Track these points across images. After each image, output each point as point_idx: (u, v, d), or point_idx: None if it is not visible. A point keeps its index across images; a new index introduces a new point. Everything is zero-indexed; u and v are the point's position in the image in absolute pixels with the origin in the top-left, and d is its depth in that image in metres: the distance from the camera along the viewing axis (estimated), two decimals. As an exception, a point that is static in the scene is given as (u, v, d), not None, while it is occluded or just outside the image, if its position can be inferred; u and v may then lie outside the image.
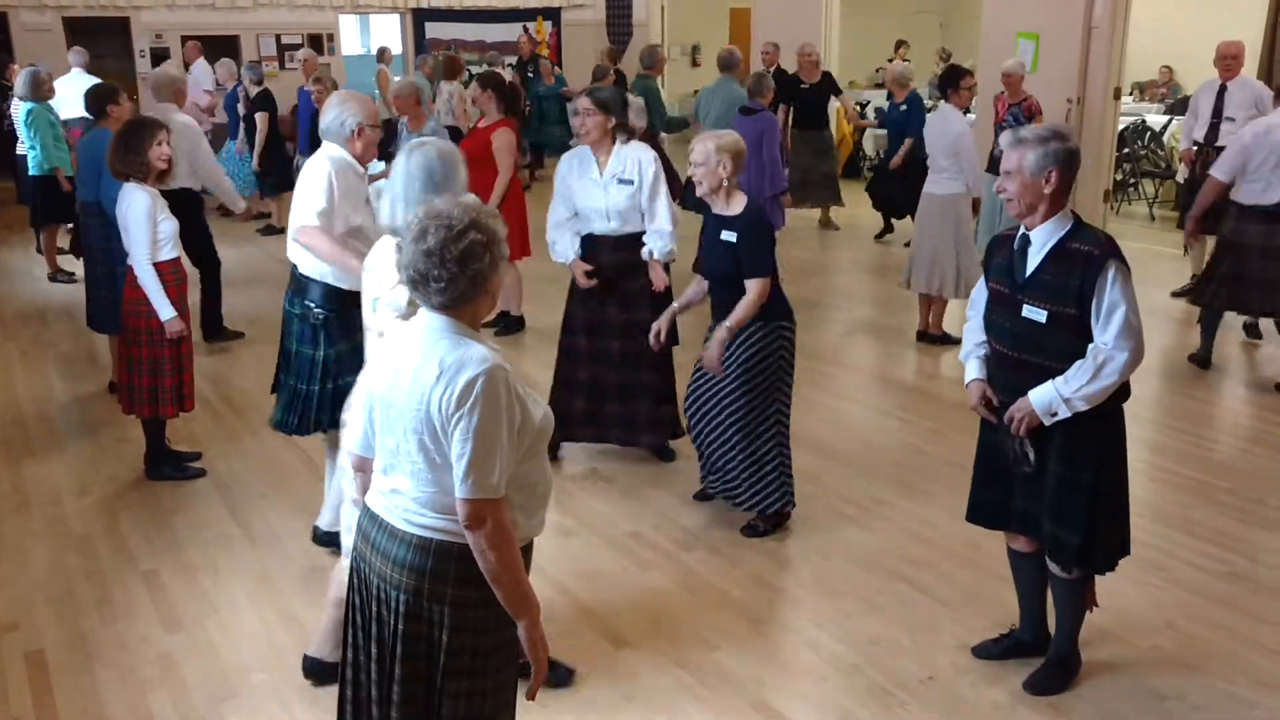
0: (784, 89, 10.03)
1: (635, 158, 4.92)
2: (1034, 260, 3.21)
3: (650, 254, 4.97)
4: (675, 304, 4.69)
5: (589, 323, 5.15)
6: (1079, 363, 3.11)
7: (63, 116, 10.19)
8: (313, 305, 4.16)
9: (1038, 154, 3.16)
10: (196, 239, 6.75)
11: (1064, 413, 3.14)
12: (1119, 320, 3.07)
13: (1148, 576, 4.19)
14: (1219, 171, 6.27)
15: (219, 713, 3.45)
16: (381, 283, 3.23)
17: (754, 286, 4.28)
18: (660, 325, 4.61)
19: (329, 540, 4.27)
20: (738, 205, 4.35)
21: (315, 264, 4.12)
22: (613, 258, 5.02)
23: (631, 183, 4.91)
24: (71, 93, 10.32)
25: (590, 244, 5.06)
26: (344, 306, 4.10)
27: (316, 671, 3.57)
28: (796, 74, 10.38)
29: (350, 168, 4.10)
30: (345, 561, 3.36)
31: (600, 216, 4.97)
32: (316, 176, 4.04)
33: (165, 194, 4.96)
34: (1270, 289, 6.21)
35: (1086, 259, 3.10)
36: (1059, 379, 3.14)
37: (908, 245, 9.54)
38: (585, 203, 4.99)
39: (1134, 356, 3.09)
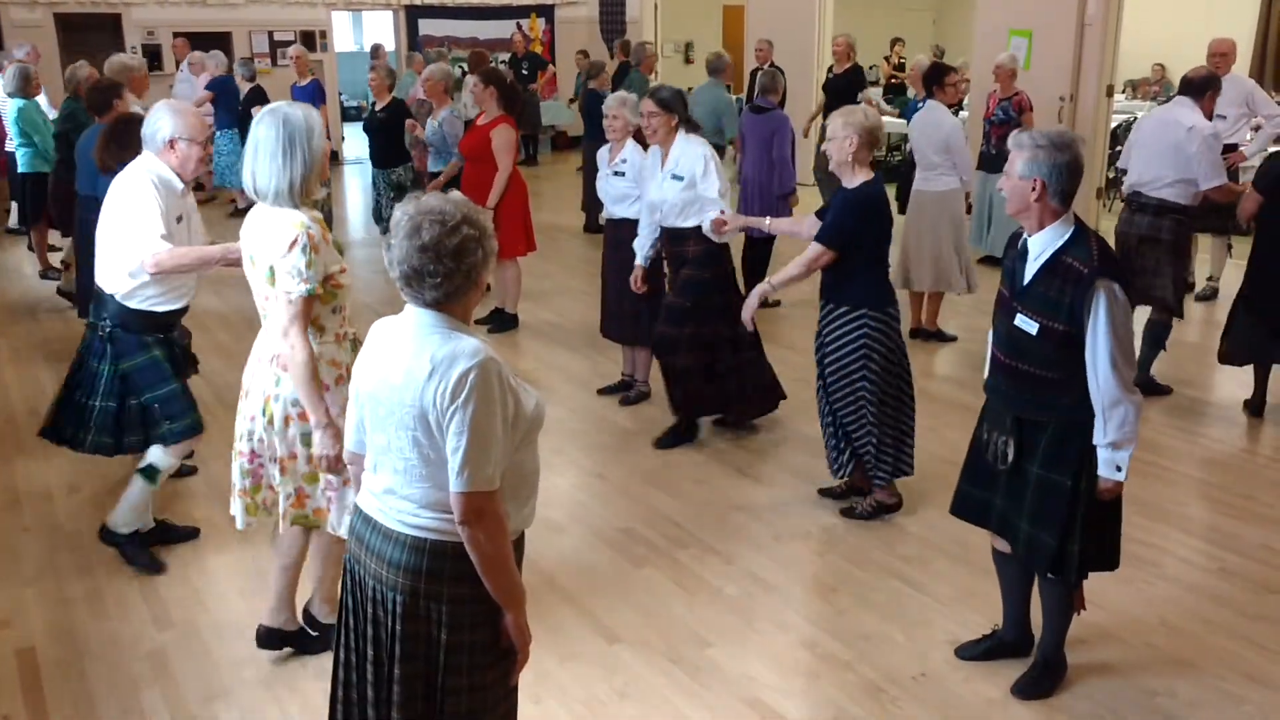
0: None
1: (687, 153, 5.20)
2: (1030, 270, 3.18)
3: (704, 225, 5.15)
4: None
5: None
6: (1099, 415, 3.09)
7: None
8: (106, 318, 4.08)
9: (1024, 159, 3.12)
10: None
11: (1125, 462, 3.13)
12: (1105, 362, 3.04)
13: (1140, 573, 4.20)
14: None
15: (211, 710, 3.44)
16: (270, 250, 3.19)
17: (811, 250, 4.41)
18: (750, 305, 4.65)
19: (112, 540, 4.29)
20: (856, 180, 4.35)
21: (112, 280, 4.03)
22: (670, 249, 5.40)
23: (682, 179, 5.16)
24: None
25: (662, 235, 5.44)
26: (137, 325, 4.05)
27: (272, 642, 3.66)
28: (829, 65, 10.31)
29: (168, 182, 3.94)
30: (286, 525, 3.44)
31: (659, 210, 5.31)
32: (142, 195, 3.87)
33: None
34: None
35: (1077, 276, 3.06)
36: (1097, 439, 3.12)
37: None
38: (652, 196, 5.35)
39: (1132, 396, 3.09)
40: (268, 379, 3.30)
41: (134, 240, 3.90)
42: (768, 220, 5.32)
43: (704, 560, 4.37)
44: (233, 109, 11.15)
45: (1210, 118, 5.96)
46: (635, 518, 4.72)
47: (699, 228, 5.13)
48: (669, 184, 5.20)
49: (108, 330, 4.08)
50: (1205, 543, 4.49)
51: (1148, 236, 5.98)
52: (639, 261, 5.60)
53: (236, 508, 3.49)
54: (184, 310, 4.18)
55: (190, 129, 3.94)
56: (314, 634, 3.69)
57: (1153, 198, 5.95)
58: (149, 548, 4.33)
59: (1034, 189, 3.10)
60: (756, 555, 4.42)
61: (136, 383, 4.10)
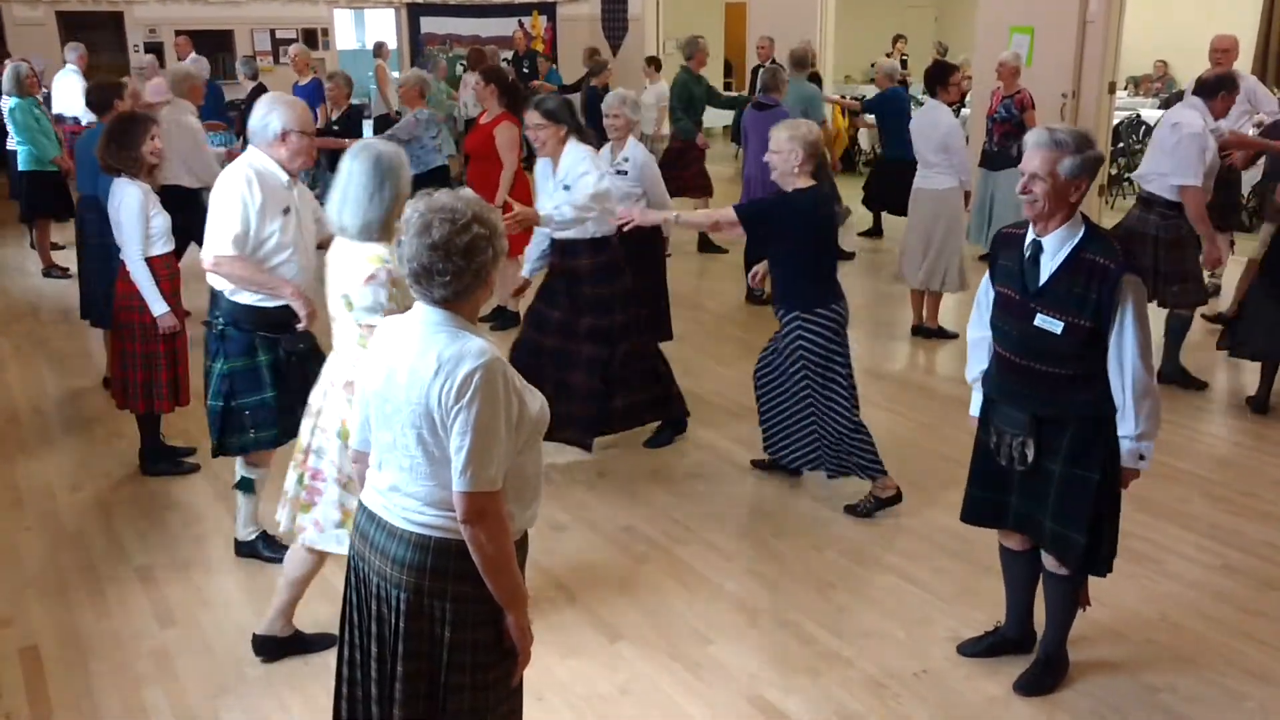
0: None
1: (571, 163, 4.96)
2: (1047, 268, 3.14)
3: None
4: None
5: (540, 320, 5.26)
6: (1128, 408, 3.12)
7: (55, 112, 10.23)
8: (219, 315, 4.04)
9: (1075, 161, 3.06)
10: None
11: (1150, 452, 3.18)
12: (1134, 355, 3.07)
13: (1142, 570, 4.20)
14: None
15: (213, 708, 3.45)
16: (348, 280, 3.25)
17: (725, 210, 4.70)
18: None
19: (248, 550, 4.33)
20: (796, 186, 4.54)
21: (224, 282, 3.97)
22: (562, 262, 5.17)
23: (570, 189, 4.93)
24: (65, 90, 10.36)
25: (553, 247, 5.22)
26: (248, 322, 3.98)
27: (269, 649, 3.66)
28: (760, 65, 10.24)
29: (272, 175, 3.86)
30: (303, 539, 3.46)
31: (551, 221, 5.00)
32: (229, 194, 3.81)
33: (163, 192, 4.95)
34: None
35: (1103, 273, 3.05)
36: (1124, 431, 3.14)
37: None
38: (545, 209, 5.02)
39: (1156, 387, 3.13)
40: (341, 403, 3.36)
41: (208, 235, 3.85)
42: (675, 215, 5.00)
43: (705, 557, 4.37)
44: (220, 114, 11.15)
45: (1220, 118, 5.95)
46: (636, 515, 4.72)
47: (592, 240, 5.05)
48: (560, 195, 4.97)
49: (220, 328, 4.03)
50: (1207, 539, 4.49)
51: (1162, 238, 5.95)
52: (524, 273, 5.45)
53: (284, 514, 3.56)
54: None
55: (302, 121, 3.87)
56: (308, 635, 3.71)
57: (1156, 195, 5.94)
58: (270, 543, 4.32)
59: (1077, 189, 3.09)
60: (757, 552, 4.42)
61: (236, 385, 4.04)
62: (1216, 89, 5.90)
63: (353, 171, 3.23)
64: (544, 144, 5.00)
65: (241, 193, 3.80)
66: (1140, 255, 5.94)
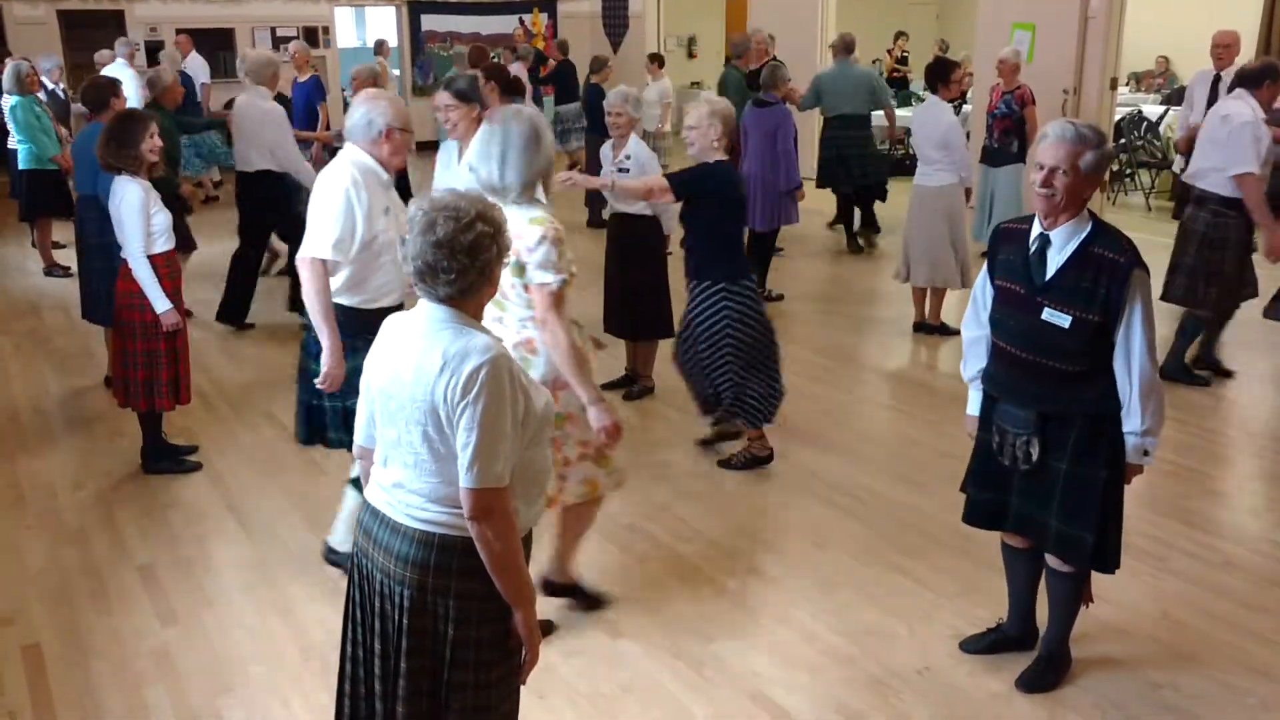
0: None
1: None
2: (1055, 262, 3.13)
3: None
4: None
5: None
6: (1134, 404, 3.10)
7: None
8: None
9: (1096, 156, 3.06)
10: (288, 219, 6.93)
11: (1154, 448, 3.18)
12: (1141, 351, 3.06)
13: (1145, 567, 4.20)
14: None
15: (215, 706, 3.45)
16: (517, 246, 3.29)
17: (656, 178, 4.97)
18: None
19: (338, 559, 4.15)
20: (714, 159, 4.81)
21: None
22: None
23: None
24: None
25: None
26: (347, 322, 3.84)
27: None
28: (733, 64, 10.12)
29: (374, 174, 3.82)
30: (568, 500, 3.67)
31: None
32: (333, 194, 3.71)
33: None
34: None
35: (1112, 267, 3.04)
36: (1129, 427, 3.14)
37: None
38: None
39: (1160, 383, 3.14)
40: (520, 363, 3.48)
41: (309, 233, 3.76)
42: (612, 181, 5.15)
43: (707, 555, 4.37)
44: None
45: (1270, 107, 5.91)
46: (638, 513, 4.72)
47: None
48: (468, 178, 4.90)
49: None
50: (1209, 536, 4.49)
51: (1207, 236, 5.91)
52: None
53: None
54: (395, 308, 3.89)
55: (404, 118, 3.82)
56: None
57: (1209, 192, 5.90)
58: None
59: (1093, 184, 3.09)
60: (759, 550, 4.42)
61: (352, 383, 3.88)
62: (1261, 78, 5.83)
63: (511, 133, 3.36)
64: (454, 125, 4.88)
65: (348, 195, 3.72)
66: (1184, 253, 5.96)
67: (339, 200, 3.71)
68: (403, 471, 2.39)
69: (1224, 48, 7.66)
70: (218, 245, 8.40)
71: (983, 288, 3.38)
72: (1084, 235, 3.11)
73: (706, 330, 4.89)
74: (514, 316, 3.47)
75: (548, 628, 3.76)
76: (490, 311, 3.40)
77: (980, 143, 9.07)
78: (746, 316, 4.84)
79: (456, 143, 4.95)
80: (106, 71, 10.75)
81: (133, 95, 8.87)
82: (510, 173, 3.35)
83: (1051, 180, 3.07)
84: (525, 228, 3.31)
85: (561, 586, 3.91)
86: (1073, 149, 3.05)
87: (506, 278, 3.36)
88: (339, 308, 3.84)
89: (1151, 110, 12.18)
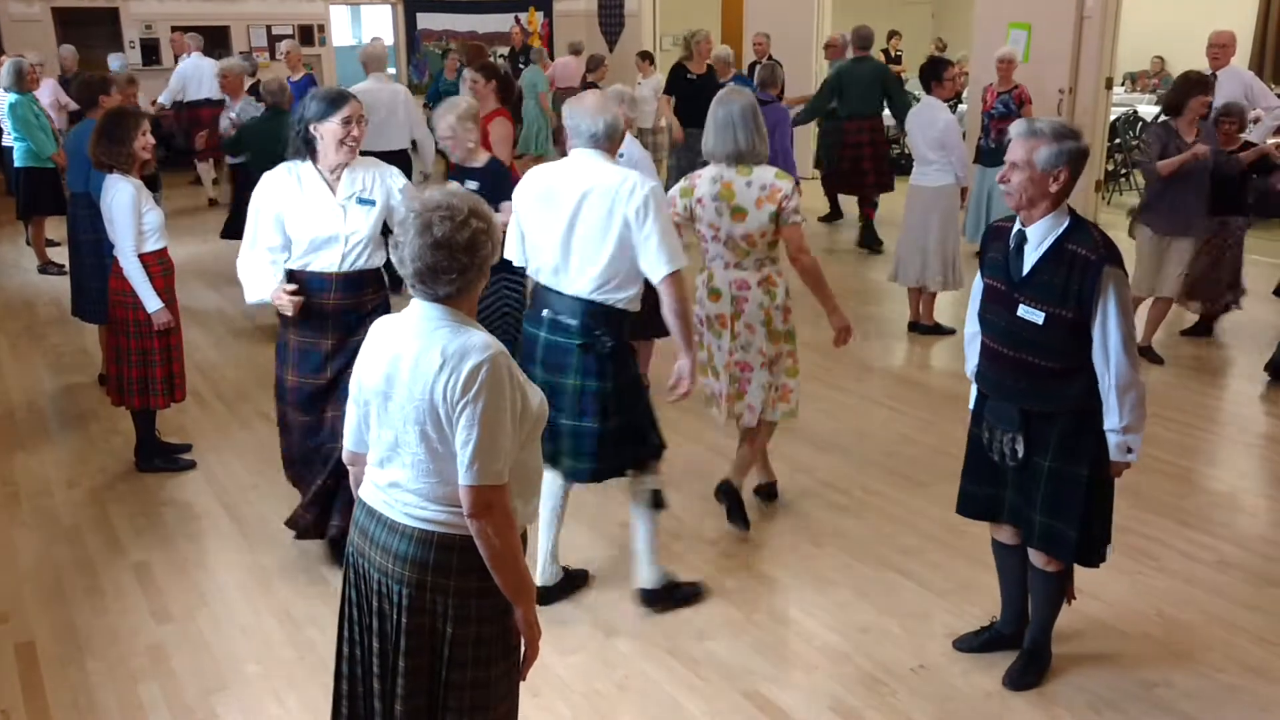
0: (673, 81, 9.95)
1: (375, 173, 3.98)
2: (1030, 259, 3.15)
3: None
4: None
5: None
6: (1111, 401, 3.11)
7: (189, 98, 11.26)
8: (601, 334, 3.66)
9: (1052, 150, 3.06)
10: None
11: (1137, 444, 3.17)
12: (1117, 347, 3.06)
13: (1138, 565, 4.20)
14: None
15: (209, 704, 3.45)
16: (772, 196, 4.10)
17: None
18: None
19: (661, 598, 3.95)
20: (483, 159, 4.97)
21: (626, 293, 3.67)
22: (343, 299, 3.97)
23: (373, 203, 3.91)
24: (195, 75, 11.35)
25: (316, 282, 3.94)
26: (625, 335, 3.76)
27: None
28: (683, 63, 9.99)
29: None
30: (745, 421, 4.43)
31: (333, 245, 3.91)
32: (657, 206, 3.54)
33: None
34: None
35: (1084, 264, 3.05)
36: (1109, 424, 3.14)
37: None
38: (312, 231, 3.87)
39: (1140, 380, 3.13)
40: (761, 296, 4.25)
41: (657, 250, 3.59)
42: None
43: (701, 553, 4.37)
44: None
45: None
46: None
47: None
48: (355, 209, 4.40)
49: (609, 346, 3.70)
50: (1203, 534, 4.50)
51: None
52: None
53: (720, 411, 4.42)
54: None
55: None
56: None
57: None
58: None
59: (1056, 180, 3.08)
60: (753, 548, 4.42)
61: (626, 400, 3.84)
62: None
63: (738, 112, 4.04)
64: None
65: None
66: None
67: (665, 213, 3.62)
68: (400, 471, 2.39)
69: (1220, 48, 7.66)
70: (218, 245, 8.40)
71: (978, 285, 3.41)
72: (1059, 232, 3.12)
73: (493, 317, 4.97)
74: (753, 260, 4.19)
75: (582, 578, 4.10)
76: (725, 257, 4.22)
77: (976, 142, 9.07)
78: (516, 298, 5.00)
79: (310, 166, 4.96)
80: (185, 64, 11.46)
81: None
82: (757, 140, 4.04)
83: (1009, 175, 3.12)
84: (779, 181, 4.08)
85: (769, 485, 4.77)
86: (1027, 144, 3.09)
87: (761, 225, 4.08)
88: (626, 314, 3.71)
89: (1147, 110, 12.19)
